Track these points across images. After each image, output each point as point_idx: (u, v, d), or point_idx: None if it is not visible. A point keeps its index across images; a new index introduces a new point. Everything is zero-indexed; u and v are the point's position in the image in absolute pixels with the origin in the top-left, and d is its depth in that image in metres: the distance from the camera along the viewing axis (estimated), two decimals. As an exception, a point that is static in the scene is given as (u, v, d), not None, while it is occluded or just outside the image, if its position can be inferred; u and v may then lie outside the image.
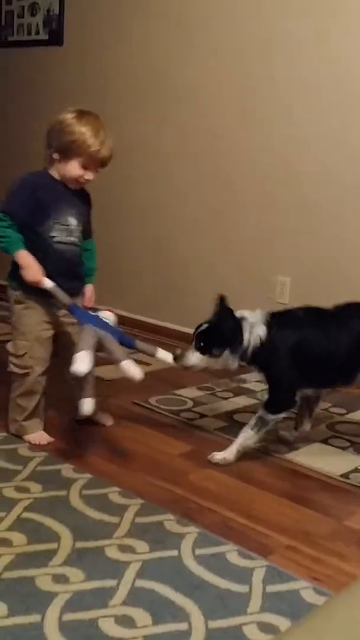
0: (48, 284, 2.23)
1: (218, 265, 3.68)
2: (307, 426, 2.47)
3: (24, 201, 2.22)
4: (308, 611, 1.52)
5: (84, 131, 2.20)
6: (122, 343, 2.31)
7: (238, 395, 2.95)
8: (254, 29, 3.41)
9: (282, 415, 2.30)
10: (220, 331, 2.25)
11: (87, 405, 2.14)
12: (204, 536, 1.83)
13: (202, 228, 3.73)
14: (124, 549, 1.75)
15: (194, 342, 2.28)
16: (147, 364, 3.19)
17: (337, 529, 1.93)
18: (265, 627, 1.49)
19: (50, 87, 4.22)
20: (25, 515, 1.88)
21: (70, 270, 2.32)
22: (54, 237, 2.27)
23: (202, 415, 2.71)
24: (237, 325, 2.23)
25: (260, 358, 2.25)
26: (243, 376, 3.14)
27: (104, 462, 2.25)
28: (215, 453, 2.28)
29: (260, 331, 2.22)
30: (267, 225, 3.48)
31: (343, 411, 2.83)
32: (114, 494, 2.03)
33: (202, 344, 2.26)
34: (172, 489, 2.09)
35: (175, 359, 2.33)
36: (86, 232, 2.39)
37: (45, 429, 2.40)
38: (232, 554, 1.76)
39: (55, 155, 2.24)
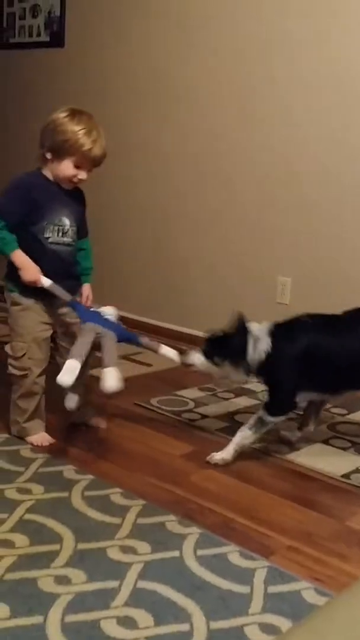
0: (46, 282, 2.24)
1: (218, 265, 3.68)
2: (311, 427, 2.47)
3: (18, 202, 2.22)
4: (309, 612, 1.52)
5: (76, 130, 2.20)
6: (124, 339, 2.32)
7: (239, 396, 2.95)
8: (254, 29, 3.41)
9: (282, 417, 2.30)
10: (226, 343, 2.27)
11: (71, 401, 2.12)
12: (206, 537, 1.83)
13: (202, 228, 3.73)
14: (125, 550, 1.76)
15: (202, 345, 2.34)
16: (148, 365, 3.20)
17: (339, 530, 1.93)
18: (266, 628, 1.49)
19: (52, 88, 4.22)
20: (28, 516, 1.88)
21: (65, 270, 2.32)
22: (48, 237, 2.27)
23: (203, 416, 2.71)
24: (243, 340, 2.24)
25: (264, 370, 2.26)
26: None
27: (106, 463, 2.25)
28: (213, 454, 2.28)
29: (265, 345, 2.22)
30: (267, 225, 3.48)
31: (344, 412, 2.83)
32: (115, 495, 2.03)
33: (207, 349, 2.30)
34: (173, 490, 2.10)
35: (181, 355, 2.40)
36: (81, 232, 2.38)
37: (47, 430, 2.40)
38: (234, 554, 1.77)
39: (48, 155, 2.24)
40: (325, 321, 2.29)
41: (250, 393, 3.00)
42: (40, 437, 2.37)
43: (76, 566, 1.67)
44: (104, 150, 2.25)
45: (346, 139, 3.18)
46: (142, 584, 1.62)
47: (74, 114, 2.23)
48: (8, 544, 1.75)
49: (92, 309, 2.32)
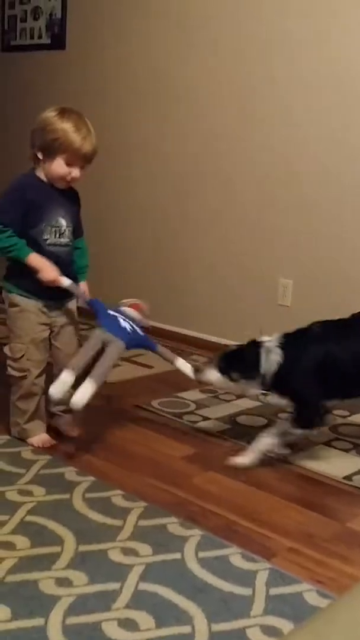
0: (65, 282, 2.25)
1: (218, 266, 3.68)
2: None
3: (16, 205, 2.22)
4: (311, 614, 1.51)
5: (65, 128, 2.19)
6: (139, 345, 2.32)
7: (241, 398, 2.95)
8: (254, 29, 3.41)
9: (309, 432, 2.30)
10: (240, 359, 2.27)
11: (57, 390, 2.09)
12: (207, 539, 1.83)
13: (202, 228, 3.73)
14: (127, 552, 1.75)
15: (216, 361, 2.31)
16: (149, 367, 3.19)
17: (340, 532, 1.93)
18: (268, 630, 1.49)
19: (53, 90, 4.22)
20: (29, 518, 1.88)
21: (63, 270, 2.31)
22: (46, 239, 2.27)
23: (204, 418, 2.71)
24: (257, 354, 2.22)
25: (279, 382, 2.24)
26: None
27: (107, 465, 2.25)
28: (233, 457, 2.26)
29: (276, 356, 2.21)
30: (267, 226, 3.48)
31: (346, 413, 2.83)
32: (117, 497, 2.03)
33: (222, 366, 2.29)
34: (175, 492, 2.09)
35: (196, 371, 2.37)
36: (77, 232, 2.38)
37: (47, 431, 2.40)
38: (236, 556, 1.76)
39: (40, 155, 2.24)
40: (335, 328, 2.27)
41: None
42: (41, 438, 2.36)
43: (77, 568, 1.67)
44: (94, 146, 2.24)
45: (346, 139, 3.18)
46: (144, 586, 1.62)
47: (63, 112, 2.23)
48: (9, 545, 1.75)
49: (113, 310, 2.30)
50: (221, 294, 3.67)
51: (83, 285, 2.41)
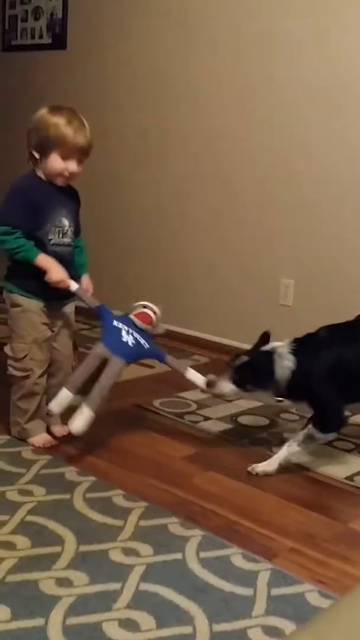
0: (73, 286, 2.25)
1: (218, 265, 3.68)
2: None
3: (22, 207, 2.21)
4: (313, 614, 1.51)
5: (57, 122, 2.20)
6: (147, 356, 2.31)
7: (242, 398, 2.94)
8: (254, 29, 3.41)
9: (332, 435, 2.28)
10: (254, 369, 2.22)
11: (56, 405, 2.16)
12: (208, 539, 1.83)
13: (202, 228, 3.73)
14: (127, 552, 1.75)
15: (229, 373, 2.25)
16: (150, 367, 3.19)
17: (342, 532, 1.92)
18: (270, 631, 1.49)
19: (54, 90, 4.21)
20: (29, 518, 1.88)
21: (66, 270, 2.31)
22: (50, 239, 2.26)
23: (206, 418, 2.70)
24: (270, 363, 2.19)
25: (295, 389, 2.21)
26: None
27: (108, 465, 2.24)
28: (255, 465, 2.24)
29: (289, 362, 2.18)
30: (267, 226, 3.48)
31: (348, 413, 2.82)
32: (117, 497, 2.02)
33: (236, 377, 2.23)
34: (176, 492, 2.09)
35: (209, 384, 2.30)
36: (77, 231, 2.38)
37: (48, 431, 2.40)
38: (237, 557, 1.76)
39: (36, 154, 2.24)
40: (343, 331, 2.26)
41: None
42: (42, 438, 2.36)
43: (78, 568, 1.67)
44: (88, 138, 2.23)
45: (346, 139, 3.17)
46: (144, 586, 1.61)
47: (54, 108, 2.24)
48: (9, 545, 1.74)
49: (119, 319, 2.28)
50: (221, 294, 3.67)
51: (85, 279, 2.41)
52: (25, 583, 1.60)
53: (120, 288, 4.00)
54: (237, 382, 2.24)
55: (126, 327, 2.25)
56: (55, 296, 2.30)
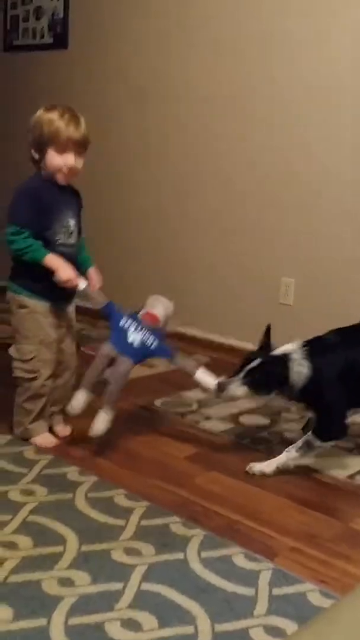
0: (81, 285, 2.25)
1: (218, 265, 3.68)
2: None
3: (30, 207, 2.21)
4: (314, 614, 1.52)
5: (49, 117, 2.21)
6: (154, 355, 2.33)
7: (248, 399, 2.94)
8: (254, 29, 3.41)
9: (332, 443, 2.27)
10: (271, 373, 2.18)
11: (75, 407, 2.26)
12: (210, 539, 1.83)
13: (202, 228, 3.73)
14: (129, 552, 1.75)
15: (241, 375, 2.19)
16: (152, 366, 3.19)
17: (343, 531, 1.93)
18: (271, 630, 1.49)
19: (55, 90, 4.22)
20: (31, 518, 1.88)
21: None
22: (58, 240, 2.27)
23: (207, 418, 2.71)
24: (285, 368, 2.16)
25: (306, 393, 2.19)
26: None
27: (110, 465, 2.25)
28: (253, 464, 2.24)
29: (303, 368, 2.16)
30: (267, 225, 3.48)
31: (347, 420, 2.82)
32: (119, 497, 2.03)
33: (249, 381, 2.18)
34: (177, 492, 2.09)
35: (219, 387, 2.24)
36: (80, 232, 2.39)
37: (51, 431, 2.40)
38: (238, 556, 1.76)
39: (35, 155, 2.25)
40: (353, 335, 2.26)
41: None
42: (44, 438, 2.36)
43: (80, 568, 1.67)
44: (82, 130, 2.23)
45: (346, 139, 3.17)
46: (146, 586, 1.61)
47: (48, 107, 2.26)
48: (11, 545, 1.75)
49: (126, 318, 2.28)
50: (222, 294, 3.67)
51: (92, 272, 2.40)
52: (28, 583, 1.60)
53: (120, 288, 3.99)
54: (250, 385, 2.19)
55: (133, 327, 2.26)
56: (61, 296, 2.30)
